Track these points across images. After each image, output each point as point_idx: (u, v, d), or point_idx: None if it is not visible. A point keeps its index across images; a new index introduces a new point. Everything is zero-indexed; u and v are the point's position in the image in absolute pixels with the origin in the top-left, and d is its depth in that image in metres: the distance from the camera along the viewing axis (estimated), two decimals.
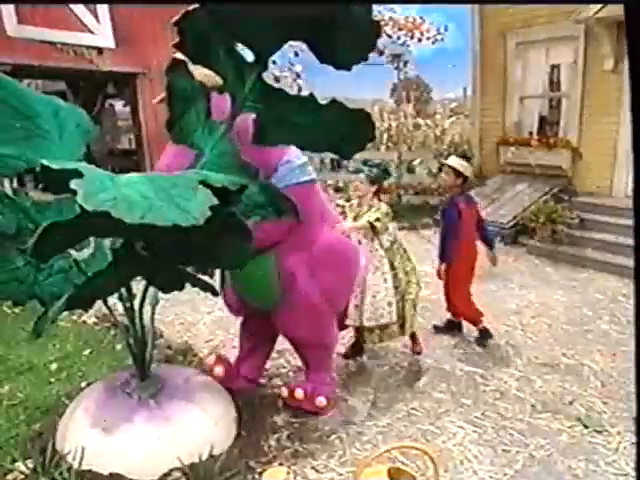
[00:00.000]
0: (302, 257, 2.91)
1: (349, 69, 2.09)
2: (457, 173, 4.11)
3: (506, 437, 3.07)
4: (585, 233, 6.83)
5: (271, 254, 2.83)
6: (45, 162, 1.59)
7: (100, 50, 7.67)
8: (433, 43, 11.06)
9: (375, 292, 3.63)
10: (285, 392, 3.26)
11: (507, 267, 6.49)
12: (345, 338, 4.06)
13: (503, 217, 7.78)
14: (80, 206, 1.84)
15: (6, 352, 4.15)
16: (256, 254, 2.56)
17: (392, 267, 3.68)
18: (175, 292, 2.77)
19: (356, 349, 4.03)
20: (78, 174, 1.58)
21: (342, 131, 2.24)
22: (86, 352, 4.15)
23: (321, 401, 3.17)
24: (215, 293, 2.34)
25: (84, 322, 4.70)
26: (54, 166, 1.59)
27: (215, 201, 1.72)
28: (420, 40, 10.69)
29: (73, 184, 1.52)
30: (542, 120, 9.21)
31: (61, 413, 3.21)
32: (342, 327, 3.63)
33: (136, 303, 2.58)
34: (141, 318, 2.69)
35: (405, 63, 10.15)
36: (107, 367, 3.89)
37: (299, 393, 3.18)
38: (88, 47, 7.53)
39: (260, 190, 2.29)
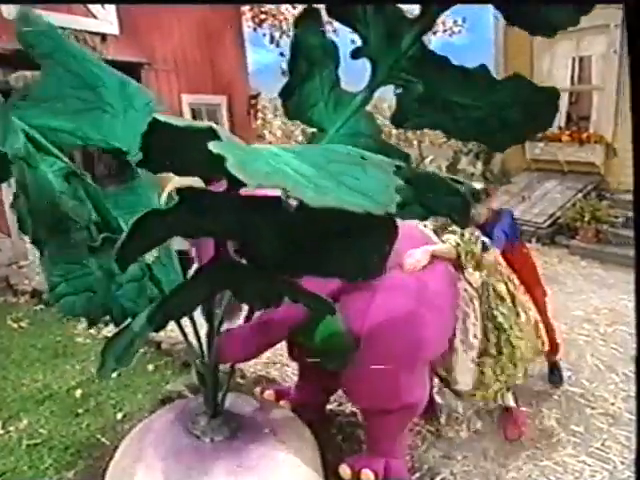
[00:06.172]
0: (367, 303, 2.23)
1: (552, 35, 1.58)
2: None
3: None
4: (631, 232, 6.40)
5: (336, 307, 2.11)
6: (160, 117, 1.03)
7: (104, 37, 7.05)
8: (450, 35, 10.61)
9: (469, 347, 2.68)
10: (346, 472, 2.40)
11: (554, 269, 6.04)
12: None
13: (538, 216, 7.32)
14: (180, 193, 1.31)
15: (19, 376, 3.52)
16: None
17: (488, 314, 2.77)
18: None
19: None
20: (212, 135, 1.02)
21: (511, 116, 1.72)
22: (113, 375, 3.53)
23: None
24: (333, 311, 1.78)
25: (106, 337, 4.08)
26: (176, 123, 1.03)
27: (400, 182, 1.18)
28: (435, 33, 10.22)
29: (215, 147, 0.96)
30: (567, 116, 8.82)
31: (99, 456, 2.65)
32: None
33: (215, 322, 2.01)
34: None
35: None
36: (143, 393, 3.29)
37: (368, 476, 2.33)
38: (91, 33, 6.89)
39: (405, 183, 1.75)
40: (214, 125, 1.03)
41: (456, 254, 2.58)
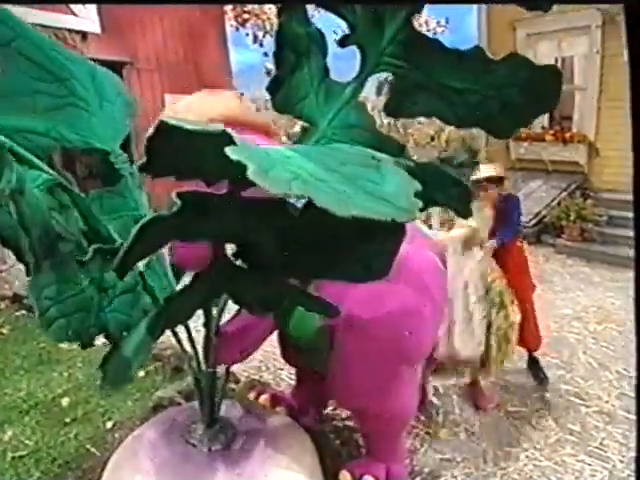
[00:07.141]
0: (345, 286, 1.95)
1: (548, 9, 1.55)
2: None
3: None
4: (616, 230, 6.48)
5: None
6: (168, 119, 0.97)
7: (84, 35, 6.86)
8: (434, 36, 10.62)
9: (469, 316, 2.79)
10: (347, 478, 2.30)
11: (542, 268, 6.06)
12: None
13: (523, 215, 7.36)
14: (182, 197, 1.24)
15: (1, 385, 3.38)
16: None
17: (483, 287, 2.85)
18: None
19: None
20: (227, 139, 0.96)
21: (511, 98, 1.67)
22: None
23: None
24: (337, 313, 1.73)
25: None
26: (188, 126, 0.96)
27: (418, 186, 1.12)
28: None
29: (233, 152, 0.90)
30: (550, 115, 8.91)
31: (89, 467, 2.55)
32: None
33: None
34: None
35: None
36: (133, 400, 3.19)
37: None
38: (71, 31, 6.71)
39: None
40: (228, 129, 0.97)
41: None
